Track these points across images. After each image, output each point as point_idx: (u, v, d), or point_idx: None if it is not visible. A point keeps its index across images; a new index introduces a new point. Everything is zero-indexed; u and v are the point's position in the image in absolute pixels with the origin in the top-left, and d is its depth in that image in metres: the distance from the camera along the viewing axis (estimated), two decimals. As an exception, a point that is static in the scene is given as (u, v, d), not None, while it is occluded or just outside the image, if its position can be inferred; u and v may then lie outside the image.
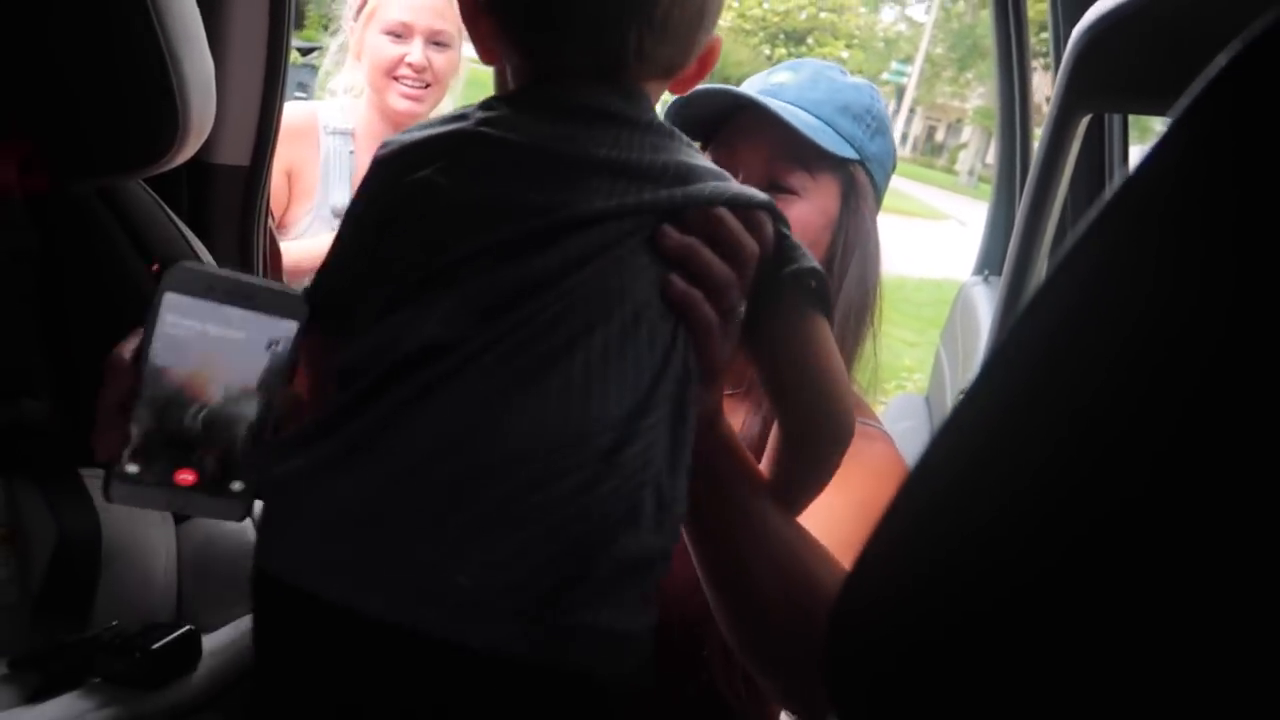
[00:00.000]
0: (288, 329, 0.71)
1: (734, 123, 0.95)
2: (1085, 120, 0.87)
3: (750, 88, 0.98)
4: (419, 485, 0.57)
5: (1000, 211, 2.24)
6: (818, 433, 0.68)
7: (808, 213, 0.92)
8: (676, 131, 0.67)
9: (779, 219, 0.67)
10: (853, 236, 0.95)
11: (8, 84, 0.88)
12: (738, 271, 0.63)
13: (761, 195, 0.67)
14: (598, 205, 0.59)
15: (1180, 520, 0.24)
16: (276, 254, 1.31)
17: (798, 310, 0.66)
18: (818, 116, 0.93)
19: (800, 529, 0.72)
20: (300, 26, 1.59)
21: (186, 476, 0.71)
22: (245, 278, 0.71)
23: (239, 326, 0.70)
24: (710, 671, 0.87)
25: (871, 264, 0.98)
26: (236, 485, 0.72)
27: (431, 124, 0.67)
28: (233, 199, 1.19)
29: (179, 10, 0.86)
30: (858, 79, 1.00)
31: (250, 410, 0.71)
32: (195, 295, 0.68)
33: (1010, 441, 0.29)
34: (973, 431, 0.30)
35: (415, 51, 1.64)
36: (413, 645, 0.56)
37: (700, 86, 0.79)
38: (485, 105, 0.66)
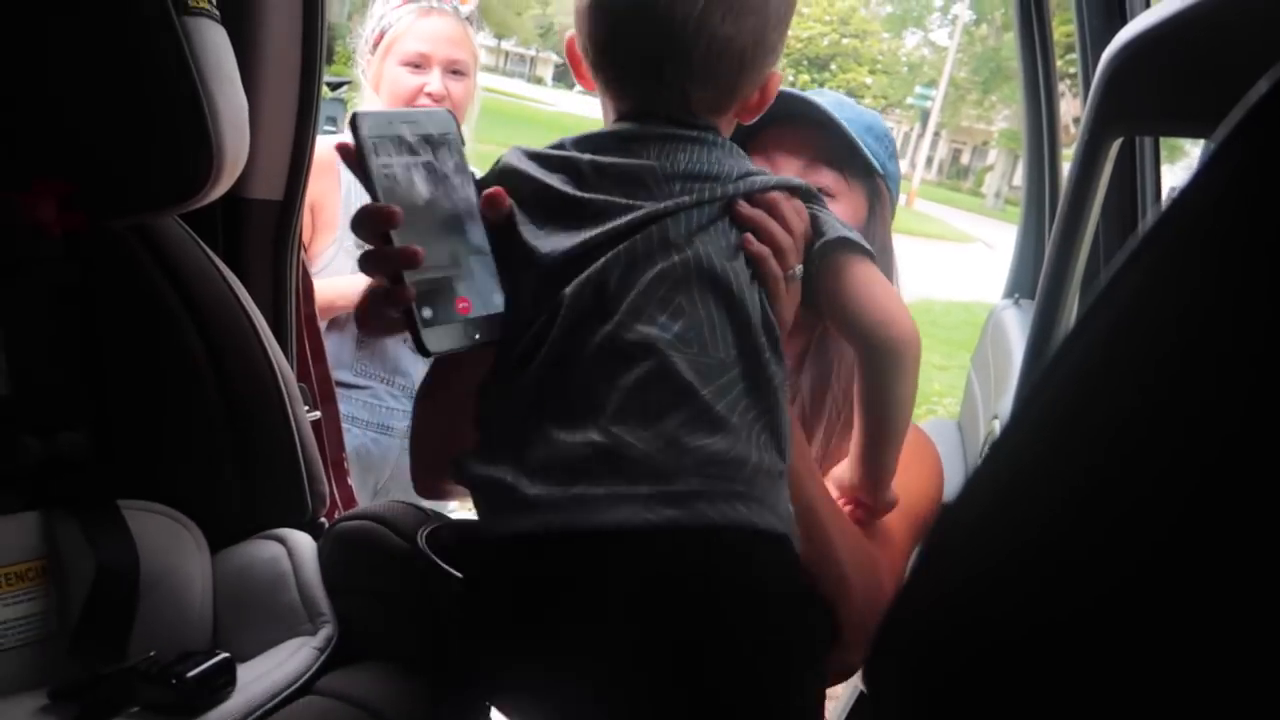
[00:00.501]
0: (456, 146, 0.80)
1: (775, 128, 1.01)
2: (1117, 143, 0.87)
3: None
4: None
5: (1029, 234, 2.22)
6: (884, 346, 0.81)
7: (840, 213, 0.97)
8: (734, 146, 0.82)
9: (815, 199, 0.84)
10: (879, 240, 1.02)
11: (47, 125, 0.90)
12: (792, 237, 0.79)
13: (800, 181, 0.83)
14: (686, 200, 0.76)
15: (1225, 547, 0.23)
16: (309, 287, 1.33)
17: (843, 257, 0.82)
18: (852, 130, 1.01)
19: (826, 502, 0.85)
20: (329, 61, 1.61)
21: (464, 305, 0.75)
22: (404, 111, 0.76)
23: (424, 153, 0.77)
24: None
25: (894, 272, 1.05)
26: (498, 299, 0.77)
27: (538, 150, 0.81)
28: (266, 233, 1.20)
29: (213, 49, 0.88)
30: (853, 103, 1.07)
31: (474, 233, 0.78)
32: (384, 135, 0.75)
33: (1051, 471, 0.29)
34: (1013, 461, 0.30)
35: (434, 81, 1.66)
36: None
37: (791, 91, 0.96)
38: (579, 141, 0.80)
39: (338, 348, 1.61)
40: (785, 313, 0.80)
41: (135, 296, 0.98)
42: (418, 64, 1.66)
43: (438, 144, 0.78)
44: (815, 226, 0.82)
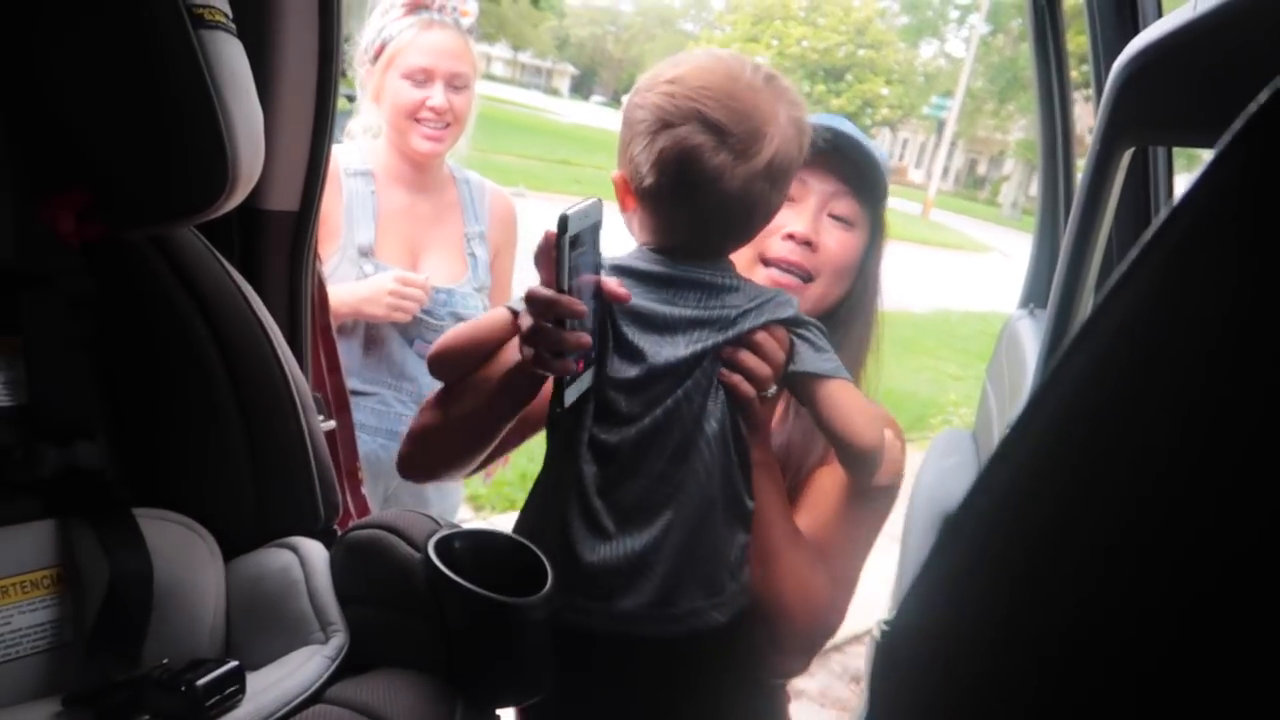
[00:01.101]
0: (599, 228, 0.97)
1: (814, 152, 1.05)
2: (1128, 153, 0.87)
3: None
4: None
5: (1044, 244, 2.21)
6: (849, 456, 0.99)
7: (854, 240, 1.11)
8: (741, 282, 0.99)
9: (803, 324, 1.00)
10: (874, 266, 1.14)
11: (65, 137, 0.91)
12: (770, 366, 0.97)
13: (791, 312, 0.99)
14: (682, 352, 0.96)
15: (1239, 552, 0.23)
16: (324, 297, 1.34)
17: (814, 383, 0.99)
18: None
19: (786, 540, 1.04)
20: (345, 75, 1.62)
21: (580, 364, 0.94)
22: (586, 205, 0.92)
23: (587, 241, 0.94)
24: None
25: (878, 296, 1.18)
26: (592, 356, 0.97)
27: (621, 263, 1.00)
28: (282, 244, 1.21)
29: (228, 61, 0.89)
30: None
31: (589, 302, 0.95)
32: (579, 230, 0.91)
33: (1056, 478, 0.29)
34: (1017, 465, 0.30)
35: (437, 95, 1.67)
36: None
37: (828, 118, 1.10)
38: (635, 272, 0.99)
39: (345, 355, 1.62)
40: (765, 415, 1.02)
41: (151, 306, 0.98)
42: (421, 78, 1.67)
43: (595, 230, 0.95)
44: (792, 352, 0.99)
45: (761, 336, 0.97)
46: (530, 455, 4.32)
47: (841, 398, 0.97)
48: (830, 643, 3.36)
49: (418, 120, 1.68)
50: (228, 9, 0.91)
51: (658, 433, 0.97)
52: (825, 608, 1.07)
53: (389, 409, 1.71)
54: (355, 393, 1.64)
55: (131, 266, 0.98)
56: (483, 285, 1.80)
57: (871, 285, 1.14)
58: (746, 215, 0.96)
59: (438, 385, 1.68)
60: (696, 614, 0.99)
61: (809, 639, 1.08)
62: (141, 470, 0.98)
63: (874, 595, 1.45)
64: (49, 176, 0.91)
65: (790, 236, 1.09)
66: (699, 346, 0.96)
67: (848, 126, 1.12)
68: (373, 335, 1.69)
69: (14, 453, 0.89)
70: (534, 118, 26.70)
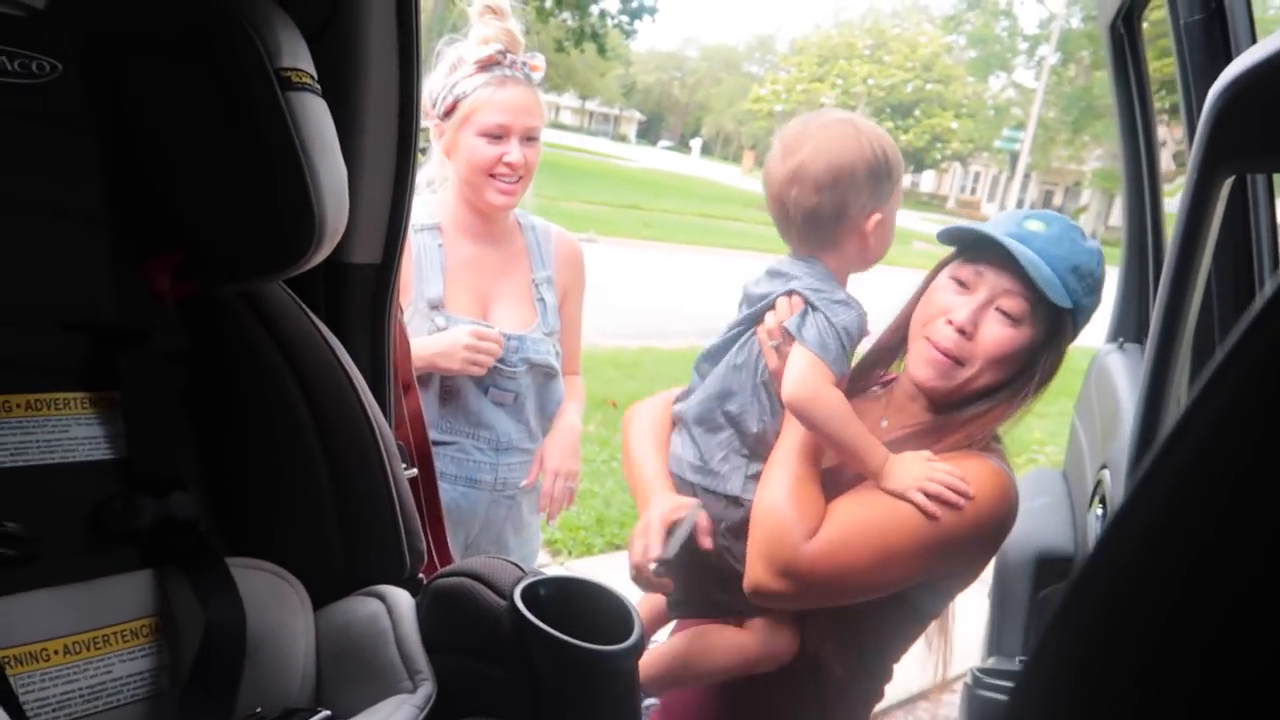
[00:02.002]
0: None
1: (991, 251, 1.19)
2: (1228, 182, 0.83)
3: (1004, 226, 1.22)
4: None
5: (1131, 276, 2.15)
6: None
7: (1021, 338, 1.18)
8: (808, 266, 1.25)
9: (814, 295, 1.22)
10: (1045, 366, 1.20)
11: (161, 200, 0.94)
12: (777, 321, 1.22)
13: (799, 285, 1.23)
14: None
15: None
16: (405, 347, 1.36)
17: (789, 345, 1.21)
18: (1054, 269, 1.16)
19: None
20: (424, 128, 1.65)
21: None
22: None
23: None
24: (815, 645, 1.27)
25: (1043, 382, 1.23)
26: None
27: None
28: (365, 296, 1.24)
29: (314, 121, 0.92)
30: (1092, 243, 1.21)
31: None
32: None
33: (1184, 547, 0.27)
34: (1142, 538, 0.28)
35: (514, 152, 1.68)
36: None
37: (973, 227, 1.22)
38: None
39: (422, 405, 1.64)
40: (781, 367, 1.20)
41: (242, 360, 1.01)
42: (498, 135, 1.68)
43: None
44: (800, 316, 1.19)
45: (779, 300, 1.20)
46: (606, 500, 4.33)
47: (797, 361, 1.16)
48: (918, 688, 3.25)
49: (493, 176, 1.70)
50: (313, 70, 0.94)
51: None
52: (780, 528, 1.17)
53: (468, 457, 1.73)
54: (434, 442, 1.66)
55: (223, 321, 1.01)
56: (552, 330, 1.81)
57: (1030, 382, 1.21)
58: (799, 217, 1.21)
59: (514, 432, 1.70)
60: None
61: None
62: (233, 520, 1.00)
63: (964, 639, 1.40)
64: (146, 238, 0.94)
65: (949, 322, 1.20)
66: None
67: (1055, 228, 1.19)
68: (448, 386, 1.70)
69: (113, 505, 0.91)
70: (602, 164, 27.09)
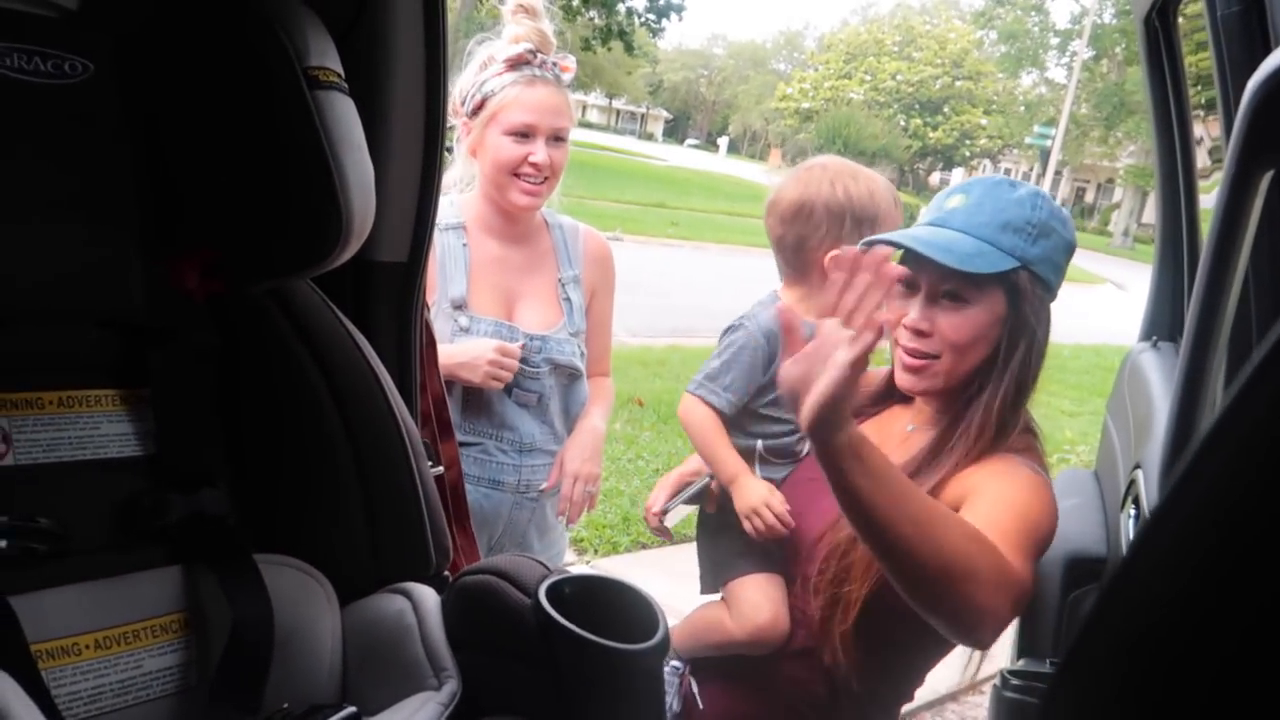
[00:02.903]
0: None
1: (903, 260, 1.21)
2: (1267, 176, 0.82)
3: (927, 214, 1.25)
4: None
5: (1166, 273, 2.11)
6: None
7: (976, 315, 1.17)
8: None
9: None
10: (1016, 330, 1.18)
11: (189, 199, 0.95)
12: None
13: None
14: None
15: None
16: (432, 344, 1.36)
17: None
18: (981, 238, 1.16)
19: (928, 497, 1.02)
20: (451, 128, 1.64)
21: None
22: None
23: None
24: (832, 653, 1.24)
25: (1037, 348, 1.20)
26: None
27: None
28: (392, 293, 1.24)
29: (342, 120, 0.92)
30: (1023, 190, 1.21)
31: None
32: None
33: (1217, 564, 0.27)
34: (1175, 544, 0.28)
35: (540, 152, 1.67)
36: None
37: (878, 238, 1.20)
38: None
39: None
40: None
41: (271, 357, 1.02)
42: (524, 134, 1.67)
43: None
44: None
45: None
46: (632, 499, 4.32)
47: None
48: (946, 690, 3.23)
49: (517, 175, 1.69)
50: (340, 69, 0.95)
51: None
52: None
53: (491, 458, 1.72)
54: (459, 443, 1.66)
55: (252, 319, 1.01)
56: (578, 330, 1.80)
57: (1016, 350, 1.19)
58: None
59: (537, 433, 1.69)
60: None
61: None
62: (261, 516, 1.00)
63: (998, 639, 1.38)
64: (175, 236, 0.95)
65: (905, 326, 1.21)
66: None
67: (974, 194, 1.21)
68: (471, 388, 1.70)
69: (143, 501, 0.92)
70: (629, 162, 27.10)
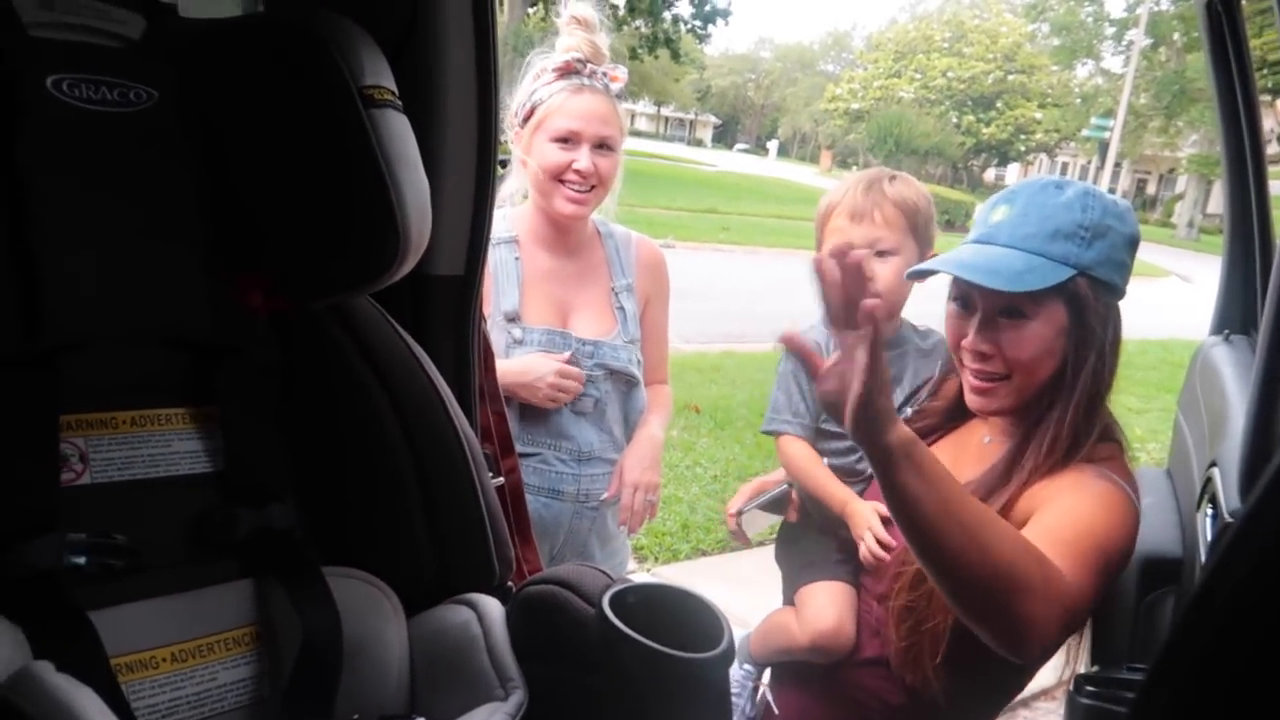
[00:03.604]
0: None
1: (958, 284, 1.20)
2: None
3: (974, 231, 1.21)
4: None
5: (1236, 265, 2.05)
6: None
7: (1038, 329, 1.14)
8: None
9: None
10: (1082, 340, 1.14)
11: (251, 218, 0.97)
12: None
13: None
14: None
15: None
16: (490, 355, 1.37)
17: None
18: (1031, 250, 1.12)
19: (980, 504, 0.99)
20: (503, 140, 1.66)
21: None
22: None
23: None
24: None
25: (1108, 355, 1.17)
26: None
27: None
28: (449, 307, 1.25)
29: (397, 137, 0.94)
30: (1071, 191, 1.15)
31: None
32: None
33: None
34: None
35: (583, 158, 1.68)
36: None
37: (925, 266, 1.23)
38: None
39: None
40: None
41: (333, 372, 1.03)
42: (568, 140, 1.69)
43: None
44: None
45: None
46: (691, 506, 4.32)
47: None
48: (1018, 697, 3.16)
49: (562, 182, 1.70)
50: (394, 86, 0.96)
51: None
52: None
53: (550, 468, 1.73)
54: (518, 452, 1.67)
55: (314, 335, 1.03)
56: (633, 338, 1.80)
57: (1085, 361, 1.16)
58: None
59: (595, 441, 1.70)
60: None
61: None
62: (326, 529, 1.02)
63: (1070, 644, 1.35)
64: (239, 256, 0.97)
65: (968, 349, 1.21)
66: None
67: (1018, 203, 1.19)
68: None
69: (214, 516, 0.94)
70: (678, 169, 27.11)
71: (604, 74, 1.71)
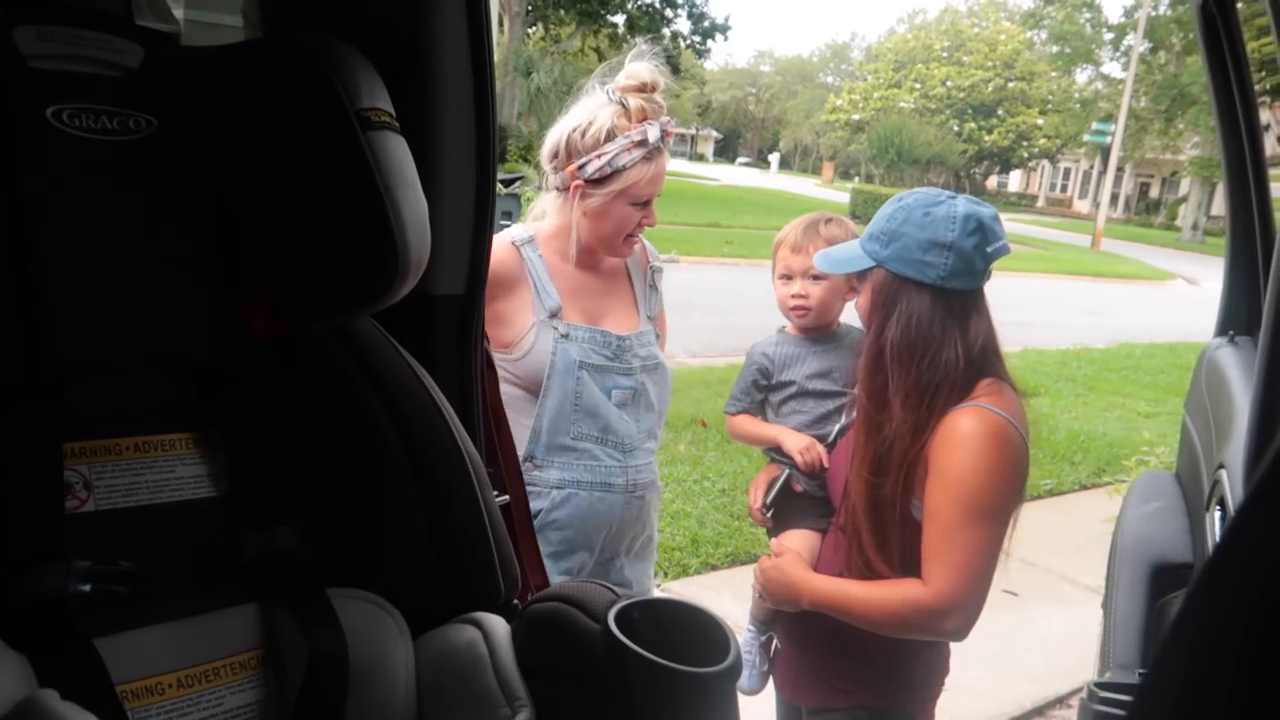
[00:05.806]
0: None
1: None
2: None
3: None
4: None
5: (1239, 267, 2.04)
6: None
7: (861, 301, 1.56)
8: None
9: None
10: (883, 310, 1.49)
11: (252, 243, 0.98)
12: None
13: None
14: None
15: None
16: (492, 372, 1.37)
17: None
18: (861, 246, 1.52)
19: (865, 590, 1.51)
20: (502, 161, 1.68)
21: None
22: None
23: None
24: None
25: (914, 327, 1.47)
26: None
27: None
28: (451, 326, 1.26)
29: (395, 158, 0.94)
30: (902, 203, 1.50)
31: None
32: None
33: None
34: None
35: (653, 214, 1.83)
36: None
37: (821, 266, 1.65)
38: None
39: (555, 413, 1.76)
40: None
41: (337, 394, 1.03)
42: (646, 202, 1.81)
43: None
44: None
45: None
46: (700, 520, 4.30)
47: None
48: (1031, 705, 3.14)
49: (630, 236, 1.83)
50: (391, 108, 0.97)
51: None
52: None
53: (599, 463, 1.80)
54: (568, 449, 1.77)
55: (316, 357, 1.03)
56: (653, 314, 1.94)
57: (891, 322, 1.49)
58: None
59: (635, 431, 1.81)
60: None
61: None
62: (332, 551, 1.02)
63: (1080, 651, 1.34)
64: (240, 280, 0.97)
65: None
66: None
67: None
68: (577, 391, 1.79)
69: (219, 541, 0.94)
70: (681, 184, 27.16)
71: (667, 134, 1.81)
